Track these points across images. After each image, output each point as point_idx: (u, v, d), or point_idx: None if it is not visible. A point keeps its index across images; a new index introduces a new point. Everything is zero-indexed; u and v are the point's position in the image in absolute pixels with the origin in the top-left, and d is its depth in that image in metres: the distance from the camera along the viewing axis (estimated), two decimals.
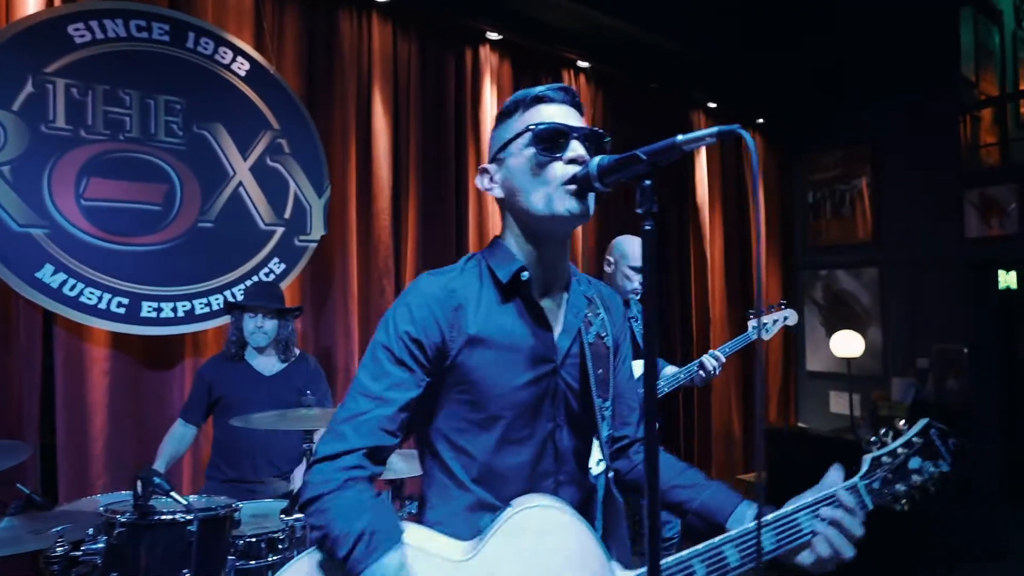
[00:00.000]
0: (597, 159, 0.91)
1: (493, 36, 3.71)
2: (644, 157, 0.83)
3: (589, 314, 1.08)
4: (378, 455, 0.92)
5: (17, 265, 2.23)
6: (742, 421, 4.98)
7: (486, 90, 3.74)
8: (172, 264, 2.54)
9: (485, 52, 3.75)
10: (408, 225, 3.42)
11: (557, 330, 1.03)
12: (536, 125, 0.97)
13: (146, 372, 2.65)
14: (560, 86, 1.03)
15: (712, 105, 4.87)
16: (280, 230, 2.83)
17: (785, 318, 2.56)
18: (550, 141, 0.96)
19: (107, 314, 2.41)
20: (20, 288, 2.24)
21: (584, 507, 1.02)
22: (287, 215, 2.85)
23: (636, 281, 2.47)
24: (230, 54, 2.70)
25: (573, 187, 0.94)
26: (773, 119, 5.27)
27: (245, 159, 2.73)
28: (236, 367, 2.45)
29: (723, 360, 2.41)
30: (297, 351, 2.61)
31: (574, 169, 0.94)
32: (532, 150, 0.97)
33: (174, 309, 2.54)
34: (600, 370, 1.05)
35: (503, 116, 1.05)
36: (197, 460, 2.69)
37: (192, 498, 1.70)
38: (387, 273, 3.30)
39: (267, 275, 2.78)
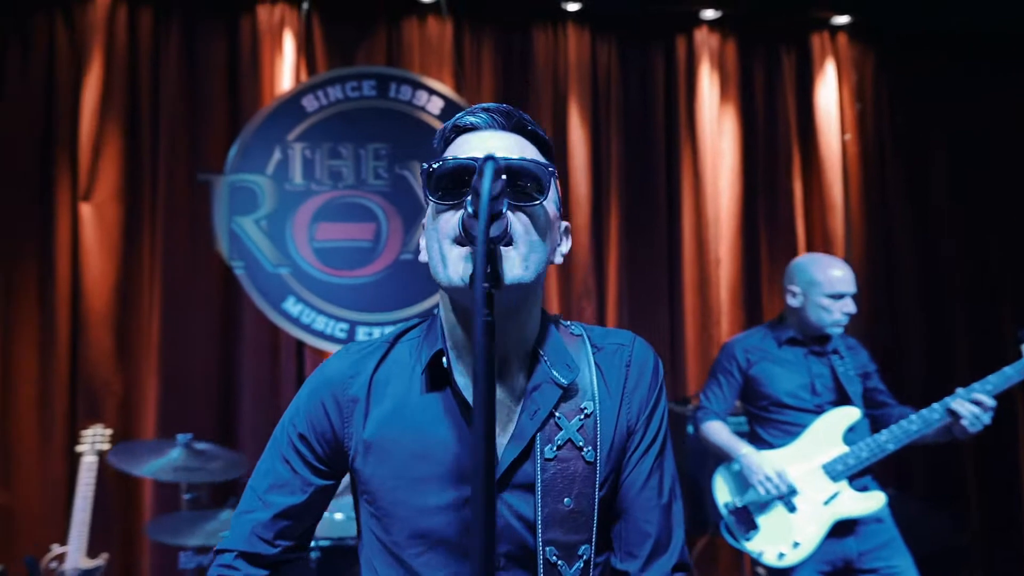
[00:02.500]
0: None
1: (709, 14, 3.20)
2: (471, 209, 0.54)
3: (559, 413, 0.75)
4: (256, 560, 0.78)
5: (270, 298, 2.78)
6: None
7: (703, 80, 3.25)
8: (380, 293, 2.84)
9: (701, 35, 3.26)
10: (610, 241, 3.18)
11: (505, 436, 0.74)
12: (430, 163, 0.72)
13: None
14: (487, 106, 0.75)
15: None
16: None
17: None
18: (449, 184, 0.70)
19: (332, 338, 2.82)
20: (272, 317, 2.79)
21: None
22: None
23: (838, 312, 1.81)
24: (425, 95, 2.91)
25: (466, 248, 0.66)
26: None
27: None
28: None
29: (987, 403, 1.60)
30: None
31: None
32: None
33: (382, 333, 2.84)
34: (566, 498, 0.72)
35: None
36: None
37: None
38: (587, 294, 3.12)
39: None
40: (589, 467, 0.74)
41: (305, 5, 2.91)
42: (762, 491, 1.75)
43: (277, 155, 2.80)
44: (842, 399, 1.83)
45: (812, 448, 1.80)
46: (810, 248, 3.28)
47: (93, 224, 2.83)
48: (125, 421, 2.83)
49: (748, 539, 1.79)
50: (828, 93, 3.31)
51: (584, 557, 0.73)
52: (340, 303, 2.82)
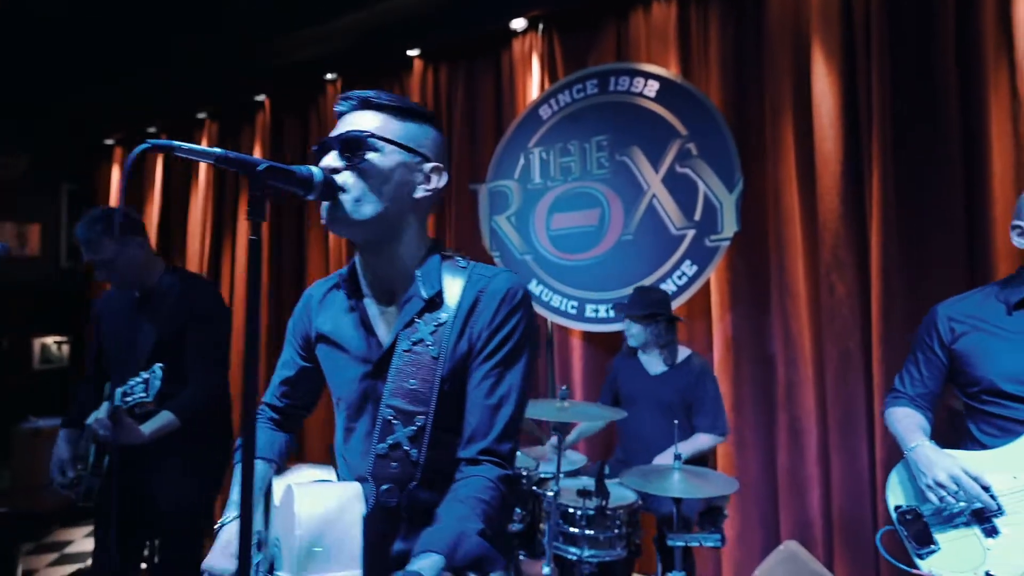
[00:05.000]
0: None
1: None
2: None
3: (420, 320, 0.99)
4: (274, 408, 1.20)
5: None
6: None
7: None
8: (604, 273, 3.07)
9: None
10: (871, 204, 2.64)
11: (389, 335, 1.02)
12: (313, 146, 1.03)
13: (607, 359, 3.27)
14: (348, 94, 1.01)
15: None
16: (691, 233, 2.87)
17: None
18: (320, 159, 1.00)
19: (566, 314, 3.19)
20: None
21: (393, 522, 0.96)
22: (697, 217, 2.86)
23: None
24: (642, 81, 3.01)
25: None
26: None
27: (657, 172, 2.95)
28: (631, 363, 2.72)
29: None
30: (685, 354, 2.62)
31: None
32: None
33: (607, 310, 3.07)
34: (411, 380, 0.96)
35: None
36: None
37: None
38: (837, 267, 2.67)
39: (680, 278, 2.88)
40: (433, 360, 0.97)
41: (541, 25, 3.37)
42: (934, 499, 1.35)
43: (522, 161, 3.34)
44: None
45: None
46: None
47: None
48: None
49: (922, 557, 1.40)
50: None
51: (419, 424, 0.96)
52: (571, 283, 3.17)
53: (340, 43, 3.93)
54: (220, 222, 4.81)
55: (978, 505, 1.30)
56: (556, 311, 3.23)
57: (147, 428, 1.85)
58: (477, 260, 1.07)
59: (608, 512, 2.10)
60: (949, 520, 1.38)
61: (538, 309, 3.30)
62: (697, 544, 1.91)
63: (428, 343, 0.98)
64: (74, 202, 5.55)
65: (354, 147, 0.97)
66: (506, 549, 1.03)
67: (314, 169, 0.94)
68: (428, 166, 1.03)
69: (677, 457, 1.99)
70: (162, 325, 2.01)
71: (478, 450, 0.94)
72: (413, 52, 3.84)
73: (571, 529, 2.10)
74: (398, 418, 0.97)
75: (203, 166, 4.83)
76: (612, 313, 3.05)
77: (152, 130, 5.09)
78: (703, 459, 2.56)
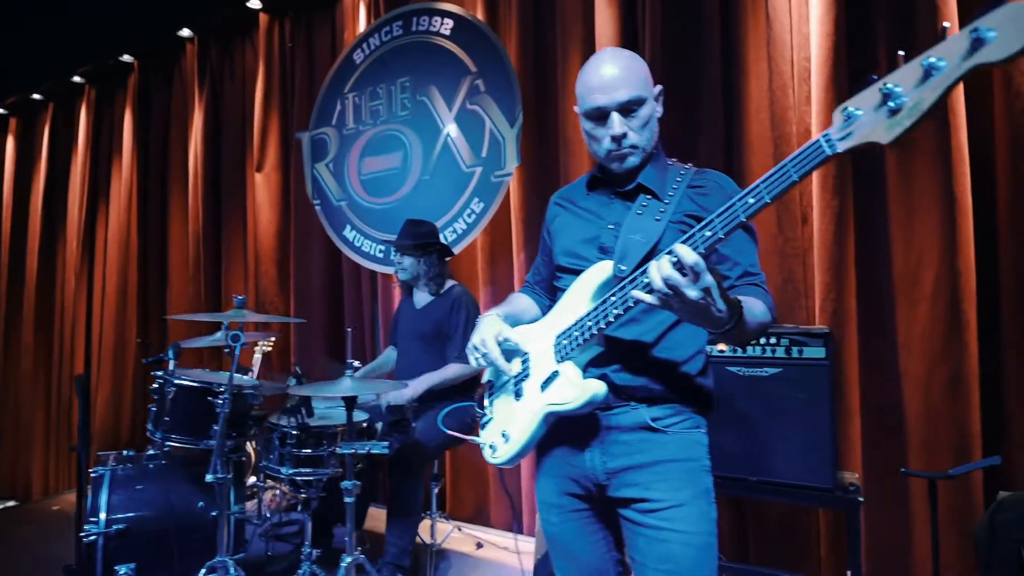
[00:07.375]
0: None
1: None
2: None
3: None
4: None
5: (335, 227, 3.30)
6: None
7: None
8: (405, 215, 3.00)
9: None
10: None
11: None
12: None
13: None
14: None
15: None
16: (479, 170, 2.84)
17: None
18: None
19: (374, 258, 3.16)
20: (338, 243, 3.30)
21: None
22: (484, 154, 2.83)
23: (606, 139, 1.19)
24: (439, 20, 2.98)
25: None
26: None
27: (451, 110, 2.92)
28: (407, 301, 2.69)
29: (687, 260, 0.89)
30: (449, 285, 2.58)
31: None
32: None
33: None
34: None
35: None
36: None
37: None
38: None
39: (469, 216, 2.85)
40: None
41: None
42: (473, 362, 1.31)
43: (338, 107, 3.31)
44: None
45: (557, 318, 1.25)
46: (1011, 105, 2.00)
47: (263, 188, 3.86)
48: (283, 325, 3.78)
49: (483, 427, 1.36)
50: None
51: None
52: (378, 227, 3.14)
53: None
54: (95, 190, 4.81)
55: (487, 362, 1.26)
56: (366, 256, 3.20)
57: None
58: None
59: (316, 431, 2.07)
60: (498, 388, 1.34)
61: (350, 255, 3.27)
62: (366, 451, 1.87)
63: None
64: None
65: None
66: None
67: None
68: None
69: (351, 367, 1.95)
70: None
71: None
72: (255, 5, 3.82)
73: (282, 448, 2.07)
74: None
75: (82, 131, 4.84)
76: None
77: (37, 97, 5.10)
78: (462, 388, 2.51)
